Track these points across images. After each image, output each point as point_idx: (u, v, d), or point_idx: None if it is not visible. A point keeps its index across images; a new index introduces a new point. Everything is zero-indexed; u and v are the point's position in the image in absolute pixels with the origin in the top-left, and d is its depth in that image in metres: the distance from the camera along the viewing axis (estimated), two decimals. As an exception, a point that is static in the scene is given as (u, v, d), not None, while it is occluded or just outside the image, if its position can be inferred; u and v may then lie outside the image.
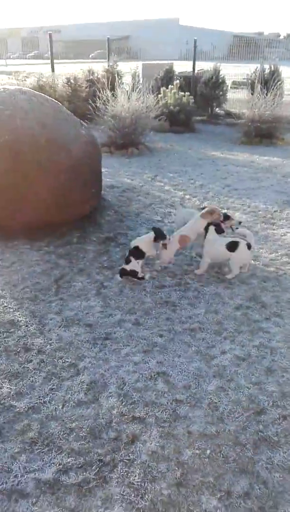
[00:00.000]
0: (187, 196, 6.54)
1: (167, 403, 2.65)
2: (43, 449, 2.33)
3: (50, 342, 3.19)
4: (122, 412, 2.56)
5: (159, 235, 4.10)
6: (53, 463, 2.25)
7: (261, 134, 10.21)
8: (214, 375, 2.90)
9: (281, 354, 3.13)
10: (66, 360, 3.00)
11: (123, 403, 2.63)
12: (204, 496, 2.11)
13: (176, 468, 2.24)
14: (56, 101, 5.48)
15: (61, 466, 2.23)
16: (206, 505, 2.07)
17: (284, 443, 2.40)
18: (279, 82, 10.74)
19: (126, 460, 2.27)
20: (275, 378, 2.88)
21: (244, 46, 25.66)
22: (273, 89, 10.17)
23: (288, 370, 2.96)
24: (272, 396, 2.72)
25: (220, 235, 4.17)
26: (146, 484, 2.15)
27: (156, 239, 4.11)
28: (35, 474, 2.19)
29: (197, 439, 2.41)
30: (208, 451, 2.33)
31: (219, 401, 2.68)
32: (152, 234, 4.12)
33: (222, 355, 3.11)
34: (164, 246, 4.18)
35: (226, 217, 4.46)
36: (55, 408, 2.59)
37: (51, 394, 2.70)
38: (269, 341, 3.28)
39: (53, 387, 2.76)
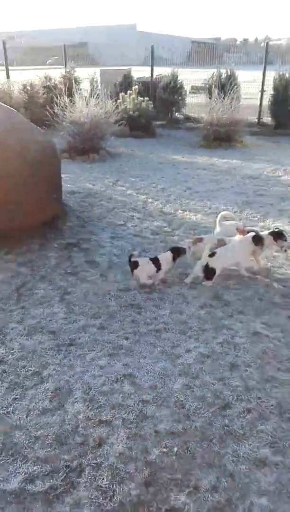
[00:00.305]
0: (150, 200, 6.59)
1: (134, 404, 2.65)
2: (8, 459, 2.28)
3: (12, 351, 3.13)
4: (88, 417, 2.55)
5: (178, 251, 4.15)
6: (19, 472, 2.21)
7: (220, 137, 10.43)
8: (179, 374, 2.93)
9: (244, 349, 3.20)
10: (30, 368, 2.95)
11: (89, 408, 2.62)
12: (173, 493, 2.12)
13: (144, 468, 2.24)
14: (12, 108, 5.41)
15: (27, 475, 2.19)
16: (174, 501, 2.08)
17: (249, 436, 2.45)
18: (235, 86, 11.03)
19: (93, 464, 2.26)
20: (239, 373, 2.95)
21: (203, 52, 26.17)
22: (229, 93, 10.44)
23: (251, 365, 3.03)
24: (236, 391, 2.78)
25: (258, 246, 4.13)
26: (114, 486, 2.14)
27: (178, 255, 4.13)
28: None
29: (164, 437, 2.42)
30: (175, 449, 2.35)
31: (185, 398, 2.71)
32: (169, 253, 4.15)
33: (187, 353, 3.15)
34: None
35: (278, 235, 4.22)
36: (19, 417, 2.54)
37: (14, 404, 2.64)
38: (232, 338, 3.34)
39: (17, 396, 2.70)
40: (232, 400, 2.70)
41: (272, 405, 2.66)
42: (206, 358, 3.10)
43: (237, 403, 2.68)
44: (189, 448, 2.36)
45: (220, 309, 3.74)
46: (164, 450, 2.34)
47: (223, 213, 4.96)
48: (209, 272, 4.05)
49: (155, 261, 4.06)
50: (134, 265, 4.00)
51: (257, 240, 4.14)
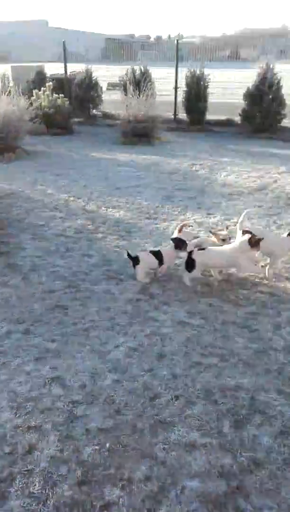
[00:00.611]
0: (71, 198, 6.51)
1: (64, 406, 2.62)
2: None
3: None
4: (16, 425, 2.47)
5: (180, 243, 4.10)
6: None
7: (138, 133, 10.55)
8: (109, 370, 2.95)
9: (170, 339, 3.30)
10: None
11: (17, 416, 2.54)
12: (106, 488, 2.14)
13: (77, 468, 2.23)
14: None
15: None
16: (109, 496, 2.10)
17: (178, 422, 2.53)
18: (149, 83, 11.21)
19: (24, 472, 2.20)
20: (166, 362, 3.03)
21: (117, 48, 26.32)
22: (144, 90, 10.60)
23: (177, 353, 3.13)
24: (164, 380, 2.86)
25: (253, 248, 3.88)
26: (47, 491, 2.11)
27: (177, 247, 4.08)
28: None
29: (96, 435, 2.43)
30: (107, 445, 2.37)
31: (115, 394, 2.73)
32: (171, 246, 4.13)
33: (116, 349, 3.18)
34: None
35: None
36: None
37: None
38: (159, 329, 3.43)
39: None
40: (161, 389, 2.77)
41: (198, 390, 2.78)
42: (135, 351, 3.15)
43: (165, 391, 2.76)
44: (121, 442, 2.39)
45: (146, 302, 3.82)
46: (96, 447, 2.35)
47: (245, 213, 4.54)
48: (189, 263, 3.99)
49: (158, 254, 4.09)
50: (135, 260, 4.01)
51: (255, 242, 3.86)
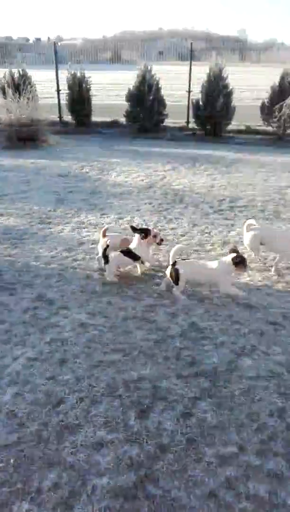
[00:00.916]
0: None
1: None
2: None
3: None
4: None
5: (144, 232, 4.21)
6: None
7: (23, 137, 10.23)
8: (8, 384, 2.83)
9: (72, 343, 3.26)
10: None
11: None
12: (15, 505, 2.05)
13: (-20, 492, 2.11)
14: None
15: None
16: (18, 513, 2.02)
17: (84, 423, 2.53)
18: (29, 86, 10.92)
19: None
20: (69, 366, 3.00)
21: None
22: (25, 93, 10.30)
23: (79, 356, 3.11)
24: (68, 384, 2.83)
25: None
26: None
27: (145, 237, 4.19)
28: None
29: (-1, 453, 2.32)
30: (12, 460, 2.27)
31: (17, 407, 2.63)
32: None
33: (14, 361, 3.05)
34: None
35: None
36: None
37: None
38: (59, 334, 3.37)
39: None
40: (65, 394, 2.74)
41: (102, 388, 2.80)
42: (35, 361, 3.06)
43: (70, 396, 2.73)
44: (26, 455, 2.31)
45: (45, 309, 3.73)
46: (0, 465, 2.24)
47: (249, 221, 4.59)
48: (174, 275, 3.87)
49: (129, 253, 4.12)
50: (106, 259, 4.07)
51: (239, 262, 3.79)
